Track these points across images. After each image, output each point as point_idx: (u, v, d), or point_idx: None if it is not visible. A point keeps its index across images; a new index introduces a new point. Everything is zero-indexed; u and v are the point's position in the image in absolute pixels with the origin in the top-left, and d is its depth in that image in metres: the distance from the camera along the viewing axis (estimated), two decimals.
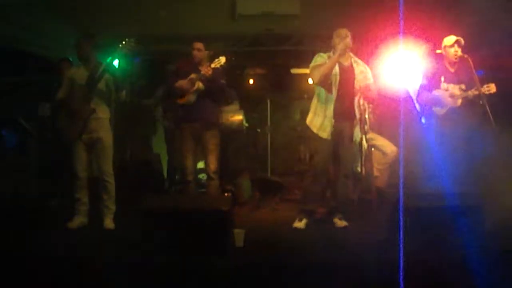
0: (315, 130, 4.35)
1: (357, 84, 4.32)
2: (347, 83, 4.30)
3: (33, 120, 5.55)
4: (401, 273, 3.04)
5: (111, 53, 4.28)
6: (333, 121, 4.29)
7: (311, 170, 4.47)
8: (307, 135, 4.45)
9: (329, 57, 4.30)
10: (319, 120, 4.34)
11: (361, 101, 5.36)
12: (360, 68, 4.37)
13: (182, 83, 4.74)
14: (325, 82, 4.28)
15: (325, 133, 4.31)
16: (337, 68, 4.28)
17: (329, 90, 4.30)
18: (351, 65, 4.36)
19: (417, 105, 5.54)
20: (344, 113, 4.32)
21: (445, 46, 4.72)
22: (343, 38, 4.26)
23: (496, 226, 3.64)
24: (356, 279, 3.07)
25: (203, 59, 4.85)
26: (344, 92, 4.30)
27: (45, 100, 5.46)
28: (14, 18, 5.45)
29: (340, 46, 4.20)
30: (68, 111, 4.34)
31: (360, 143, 5.00)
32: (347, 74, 4.32)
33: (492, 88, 4.45)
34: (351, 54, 4.42)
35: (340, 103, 4.29)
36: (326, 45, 4.40)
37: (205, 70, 4.61)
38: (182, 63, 4.97)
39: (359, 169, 5.21)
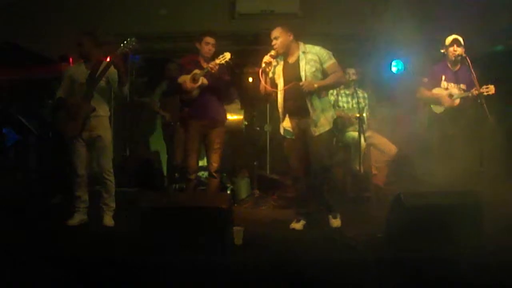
0: (282, 132, 4.35)
1: (304, 76, 4.12)
2: (293, 80, 4.16)
3: (33, 118, 5.57)
4: (400, 272, 3.08)
5: (113, 52, 4.28)
6: (289, 120, 4.25)
7: (291, 171, 4.40)
8: (279, 137, 4.42)
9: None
10: (282, 122, 4.33)
11: (361, 96, 5.41)
12: (308, 57, 4.16)
13: (185, 78, 4.67)
14: (268, 97, 4.34)
15: (286, 133, 4.30)
16: (281, 69, 4.24)
17: (275, 95, 4.29)
18: (297, 60, 4.20)
19: (416, 102, 5.57)
20: (298, 111, 4.20)
21: (446, 45, 4.75)
22: (272, 42, 4.19)
23: (494, 224, 3.67)
24: (356, 277, 3.09)
25: (211, 55, 4.75)
26: (293, 91, 4.15)
27: (45, 98, 5.49)
28: (15, 16, 5.46)
29: (262, 64, 4.15)
30: (68, 109, 4.33)
31: (359, 140, 5.02)
32: (292, 71, 4.19)
33: (491, 89, 4.48)
34: (301, 45, 4.23)
35: (291, 102, 4.20)
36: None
37: (211, 66, 4.54)
38: (186, 59, 4.89)
39: (357, 167, 5.23)
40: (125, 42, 4.27)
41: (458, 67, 4.76)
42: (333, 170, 4.43)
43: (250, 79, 7.57)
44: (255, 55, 6.97)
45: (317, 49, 4.22)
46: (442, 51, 4.82)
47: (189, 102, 4.74)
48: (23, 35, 5.96)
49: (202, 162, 5.59)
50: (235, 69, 7.21)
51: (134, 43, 4.27)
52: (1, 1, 5.21)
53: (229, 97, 5.09)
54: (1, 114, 5.45)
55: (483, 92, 4.46)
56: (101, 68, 4.28)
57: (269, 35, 4.26)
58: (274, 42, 4.20)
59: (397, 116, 5.99)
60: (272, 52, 4.18)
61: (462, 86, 4.71)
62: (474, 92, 4.50)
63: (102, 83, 4.32)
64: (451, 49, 4.69)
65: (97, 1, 5.46)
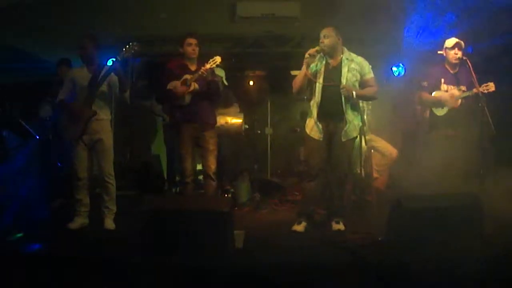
0: (308, 131, 4.37)
1: (345, 83, 4.21)
2: (333, 82, 4.22)
3: (34, 121, 5.57)
4: (400, 274, 3.08)
5: (114, 55, 4.28)
6: (321, 122, 4.29)
7: (308, 172, 4.43)
8: (304, 136, 4.45)
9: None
10: (311, 121, 4.35)
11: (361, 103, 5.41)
12: (350, 66, 4.27)
13: (176, 84, 4.63)
14: (301, 91, 4.34)
15: (316, 134, 4.31)
16: (322, 69, 4.28)
17: (311, 93, 4.32)
18: (340, 64, 4.28)
19: (417, 106, 5.57)
20: (332, 114, 4.25)
21: (446, 48, 4.73)
22: (321, 39, 4.24)
23: (494, 226, 3.67)
24: (356, 280, 3.09)
25: (197, 57, 4.73)
26: (331, 93, 4.22)
27: (46, 101, 5.49)
28: (16, 18, 5.47)
29: (306, 54, 4.18)
30: (69, 113, 4.35)
31: (360, 143, 5.01)
32: (333, 75, 4.26)
33: (491, 86, 4.47)
34: (345, 51, 4.32)
35: (327, 104, 4.24)
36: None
37: (202, 71, 4.50)
38: (173, 64, 4.82)
39: (358, 170, 5.22)
40: (127, 47, 4.26)
41: (456, 69, 4.75)
42: (350, 176, 4.47)
43: (251, 82, 7.59)
44: (255, 58, 7.04)
45: (360, 59, 4.33)
46: (439, 52, 4.80)
47: (179, 106, 4.69)
48: (25, 36, 5.98)
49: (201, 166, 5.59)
50: (236, 72, 7.24)
51: (136, 48, 4.26)
52: (1, 2, 5.20)
53: (219, 98, 5.03)
54: (2, 117, 5.45)
55: (483, 91, 4.46)
56: (102, 72, 4.28)
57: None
58: (322, 39, 4.25)
59: (398, 119, 6.00)
60: (318, 48, 4.22)
61: (462, 87, 4.69)
62: (474, 91, 4.50)
63: (104, 87, 4.32)
64: (452, 52, 4.67)
65: (97, 4, 5.46)
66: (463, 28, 5.00)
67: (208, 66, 4.54)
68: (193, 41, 4.70)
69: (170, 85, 4.66)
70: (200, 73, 4.53)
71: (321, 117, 4.29)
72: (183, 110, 4.68)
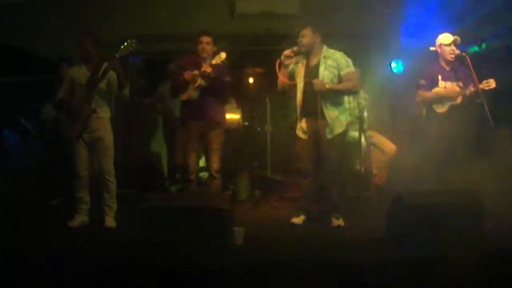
0: (296, 131, 4.44)
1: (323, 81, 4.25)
2: (311, 82, 4.26)
3: (34, 120, 5.57)
4: (399, 273, 3.09)
5: (113, 52, 4.28)
6: (304, 121, 4.35)
7: (300, 170, 4.49)
8: (295, 136, 4.50)
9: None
10: (299, 122, 4.42)
11: (361, 96, 5.42)
12: (328, 63, 4.28)
13: (183, 79, 4.66)
14: (285, 91, 4.44)
15: (301, 133, 4.40)
16: (302, 69, 4.34)
17: (293, 92, 4.38)
18: (318, 63, 4.31)
19: (416, 105, 5.56)
20: (313, 112, 4.26)
21: (441, 44, 4.70)
22: (299, 39, 4.30)
23: (494, 223, 3.67)
24: (355, 278, 3.10)
25: (210, 55, 4.73)
26: (310, 92, 4.25)
27: (46, 100, 5.49)
28: (15, 17, 5.47)
29: (282, 56, 4.24)
30: (68, 111, 4.35)
31: (359, 139, 5.02)
32: (312, 74, 4.30)
33: (491, 83, 4.45)
34: (324, 49, 4.35)
35: (308, 103, 4.30)
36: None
37: (205, 67, 4.53)
38: (185, 60, 4.85)
39: (358, 166, 5.23)
40: (125, 44, 4.27)
41: (451, 65, 4.71)
42: (342, 172, 4.51)
43: (251, 80, 7.59)
44: (254, 55, 7.03)
45: (338, 55, 4.33)
46: (432, 48, 4.77)
47: (188, 103, 4.73)
48: (24, 35, 5.98)
49: (203, 163, 5.60)
50: (235, 70, 7.22)
51: (134, 45, 4.27)
52: (1, 2, 5.20)
53: (227, 95, 5.03)
54: (1, 116, 5.45)
55: (484, 87, 4.45)
56: (101, 70, 4.27)
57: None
58: (300, 39, 4.31)
59: (396, 116, 6.00)
60: (295, 48, 4.28)
61: (459, 84, 4.65)
62: (472, 88, 4.48)
63: (103, 85, 4.31)
64: (448, 48, 4.62)
65: (97, 2, 5.46)
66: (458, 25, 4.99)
67: (213, 62, 4.58)
68: (204, 39, 4.72)
69: (180, 79, 4.68)
70: (202, 70, 4.54)
71: (304, 116, 4.36)
72: (192, 107, 4.71)
